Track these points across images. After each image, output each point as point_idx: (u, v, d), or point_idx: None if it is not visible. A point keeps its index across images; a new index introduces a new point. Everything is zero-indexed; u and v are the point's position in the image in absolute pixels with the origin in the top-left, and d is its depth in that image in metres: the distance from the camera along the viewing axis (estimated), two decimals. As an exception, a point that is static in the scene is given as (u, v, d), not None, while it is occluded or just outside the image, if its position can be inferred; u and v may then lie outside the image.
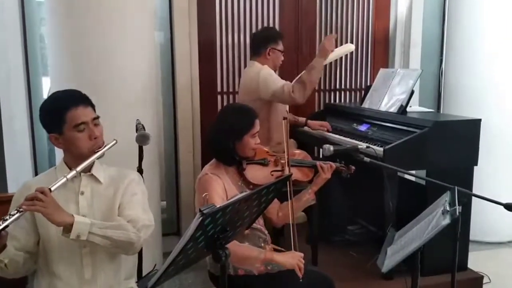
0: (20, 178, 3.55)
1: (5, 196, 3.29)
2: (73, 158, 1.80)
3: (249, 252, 2.09)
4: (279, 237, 3.11)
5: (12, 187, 3.51)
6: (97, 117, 1.83)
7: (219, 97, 4.11)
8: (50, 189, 1.61)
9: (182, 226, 3.89)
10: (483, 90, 3.92)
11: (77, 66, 2.89)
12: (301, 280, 2.04)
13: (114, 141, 1.86)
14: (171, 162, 4.00)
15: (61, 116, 1.74)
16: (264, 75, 3.25)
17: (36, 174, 3.64)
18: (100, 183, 1.85)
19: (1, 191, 3.52)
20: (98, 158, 1.80)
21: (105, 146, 1.81)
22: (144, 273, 2.36)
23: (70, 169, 1.78)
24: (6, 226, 1.52)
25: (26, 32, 3.57)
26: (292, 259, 2.06)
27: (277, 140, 3.33)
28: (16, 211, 1.54)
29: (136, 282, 2.02)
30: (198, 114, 3.92)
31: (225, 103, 4.11)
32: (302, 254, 2.10)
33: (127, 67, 2.94)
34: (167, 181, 4.02)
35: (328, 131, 3.53)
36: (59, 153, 3.12)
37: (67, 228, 1.62)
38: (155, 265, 2.00)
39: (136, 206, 1.85)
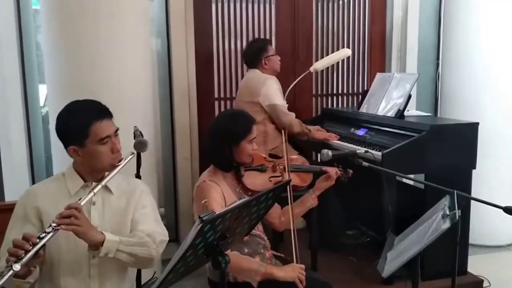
0: (17, 187, 3.52)
1: (3, 204, 3.29)
2: (89, 168, 1.78)
3: (249, 265, 2.08)
4: (278, 243, 3.10)
5: (9, 196, 3.49)
6: (117, 129, 1.80)
7: (216, 103, 4.12)
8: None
9: (181, 233, 3.88)
10: (480, 93, 3.93)
11: (73, 73, 2.88)
12: None
13: (132, 154, 1.85)
14: (169, 168, 3.99)
15: (85, 130, 1.70)
16: (270, 85, 3.38)
17: (33, 182, 3.62)
18: (111, 194, 1.82)
19: (-1, 199, 3.52)
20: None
21: (124, 159, 1.80)
22: (143, 281, 2.34)
23: (82, 177, 1.78)
24: (43, 245, 1.51)
25: (23, 40, 3.56)
26: (292, 272, 2.07)
27: (272, 146, 3.36)
28: (50, 228, 1.53)
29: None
30: (196, 120, 3.93)
31: (222, 109, 4.11)
32: (302, 266, 2.10)
33: (124, 74, 2.94)
34: (165, 187, 4.00)
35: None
36: (56, 161, 3.13)
37: (96, 245, 1.61)
38: (155, 272, 2.00)
39: (148, 220, 1.83)
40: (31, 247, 1.47)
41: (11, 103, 3.49)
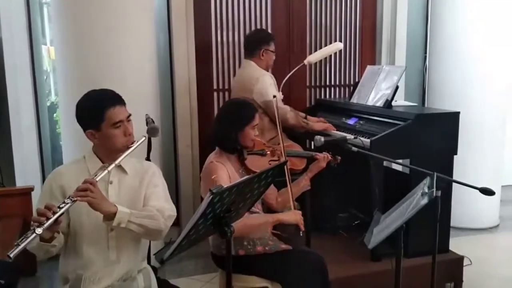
0: (27, 173, 3.72)
1: (14, 189, 3.48)
2: (106, 151, 1.97)
3: (259, 220, 2.40)
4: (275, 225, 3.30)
5: (19, 181, 3.68)
6: (130, 115, 2.00)
7: (215, 94, 4.29)
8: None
9: (182, 217, 4.06)
10: (464, 85, 4.14)
11: (79, 65, 3.07)
12: (301, 233, 2.40)
13: (144, 138, 2.05)
14: (171, 156, 4.16)
15: (101, 114, 1.90)
16: (264, 81, 3.48)
17: (43, 168, 3.80)
18: (126, 174, 2.03)
19: (10, 185, 3.70)
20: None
21: (136, 142, 1.98)
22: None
23: (101, 159, 1.98)
24: (62, 214, 1.69)
25: (32, 32, 3.72)
26: (294, 215, 2.42)
27: (269, 136, 3.55)
28: (69, 200, 1.72)
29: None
30: (196, 110, 4.10)
31: (220, 100, 4.29)
32: (300, 212, 2.45)
33: (129, 67, 3.12)
34: (167, 174, 4.15)
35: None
36: (66, 149, 3.31)
37: (110, 216, 1.81)
38: (171, 239, 2.20)
39: (159, 197, 2.03)
40: (52, 215, 1.66)
41: (22, 93, 3.65)
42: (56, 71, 3.50)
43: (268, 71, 3.66)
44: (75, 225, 1.94)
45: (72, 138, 3.11)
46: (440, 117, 3.22)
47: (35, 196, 3.31)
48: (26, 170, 3.70)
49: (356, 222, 3.76)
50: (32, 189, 3.38)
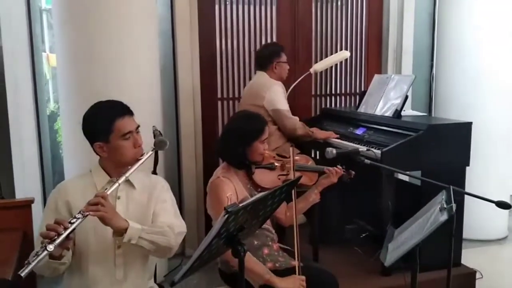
0: (27, 184, 3.62)
1: (13, 202, 3.38)
2: (114, 164, 1.90)
3: (256, 267, 2.20)
4: (283, 237, 3.23)
5: (19, 192, 3.58)
6: (139, 126, 1.94)
7: (219, 103, 4.22)
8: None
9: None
10: (471, 93, 4.09)
11: (81, 73, 2.99)
12: None
13: (152, 150, 1.98)
14: (174, 167, 4.07)
15: (110, 126, 1.84)
16: (275, 90, 3.50)
17: (43, 180, 3.71)
18: (134, 188, 1.95)
19: (9, 196, 3.60)
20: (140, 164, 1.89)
21: (145, 154, 1.92)
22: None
23: (108, 174, 1.90)
24: (74, 229, 1.62)
25: (33, 39, 3.64)
26: (293, 284, 2.17)
27: (275, 145, 3.49)
28: (80, 215, 1.64)
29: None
30: (200, 120, 4.02)
31: (225, 109, 4.22)
32: (303, 278, 2.20)
33: (133, 75, 3.05)
34: (170, 185, 4.08)
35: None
36: (66, 160, 3.23)
37: (120, 231, 1.73)
38: (182, 261, 2.12)
39: (168, 213, 1.96)
40: (63, 231, 1.59)
41: (22, 102, 3.55)
42: (55, 79, 3.41)
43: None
44: (81, 243, 1.86)
45: (74, 147, 3.04)
46: (452, 128, 3.17)
47: (35, 209, 3.22)
48: (25, 180, 3.60)
49: (364, 234, 3.69)
50: (32, 201, 3.27)
